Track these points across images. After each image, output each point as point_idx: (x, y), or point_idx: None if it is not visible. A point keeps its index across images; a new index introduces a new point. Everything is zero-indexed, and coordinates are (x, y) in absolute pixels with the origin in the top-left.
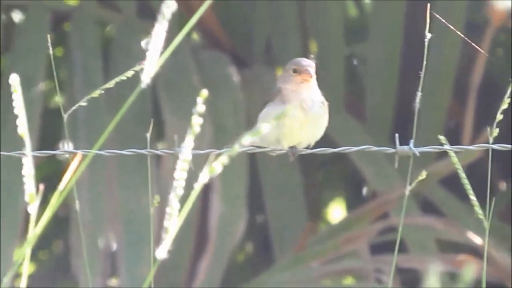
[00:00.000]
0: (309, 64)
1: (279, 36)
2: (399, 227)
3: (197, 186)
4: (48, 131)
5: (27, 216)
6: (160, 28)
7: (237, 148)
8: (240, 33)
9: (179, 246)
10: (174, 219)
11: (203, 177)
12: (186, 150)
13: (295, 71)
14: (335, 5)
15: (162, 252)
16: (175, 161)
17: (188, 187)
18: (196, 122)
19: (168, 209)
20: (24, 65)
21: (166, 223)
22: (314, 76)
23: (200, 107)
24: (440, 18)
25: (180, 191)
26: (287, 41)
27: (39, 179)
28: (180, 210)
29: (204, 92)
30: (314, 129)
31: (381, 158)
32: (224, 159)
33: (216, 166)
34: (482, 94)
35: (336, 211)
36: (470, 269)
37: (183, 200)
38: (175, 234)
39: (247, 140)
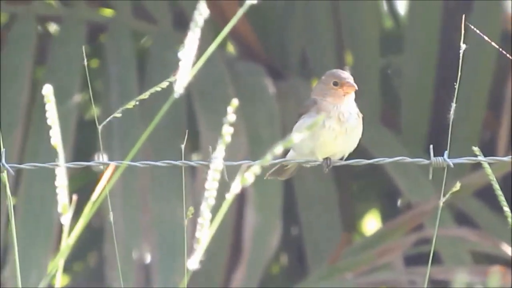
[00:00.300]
0: (349, 76)
1: (315, 48)
2: (433, 238)
3: (229, 196)
4: (83, 143)
5: (61, 227)
6: (193, 36)
7: (269, 158)
8: (276, 44)
9: (214, 258)
10: (206, 230)
11: (235, 187)
12: (218, 160)
13: (335, 84)
14: (371, 17)
15: (193, 263)
16: (209, 173)
17: (223, 199)
18: (227, 131)
19: (200, 220)
20: (60, 76)
21: (197, 234)
22: (356, 87)
23: (231, 116)
24: (475, 29)
25: (211, 201)
26: (322, 53)
27: (73, 190)
28: (212, 221)
29: (235, 102)
30: (349, 141)
31: (416, 170)
32: (256, 169)
33: (248, 176)
34: None
35: (371, 223)
36: (496, 277)
37: (216, 211)
38: (209, 245)
39: (279, 149)
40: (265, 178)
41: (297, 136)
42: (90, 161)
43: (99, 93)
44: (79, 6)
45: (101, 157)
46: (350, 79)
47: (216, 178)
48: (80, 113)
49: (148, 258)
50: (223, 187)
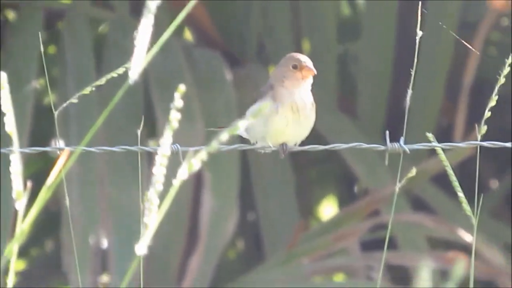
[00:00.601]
0: (309, 60)
1: (272, 35)
2: (389, 224)
3: (176, 182)
4: (41, 129)
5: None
6: (147, 23)
7: (215, 145)
8: (233, 31)
9: (170, 243)
10: (154, 215)
11: (183, 173)
12: (165, 146)
13: (295, 67)
14: (328, 3)
15: (142, 248)
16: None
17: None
18: (174, 117)
19: (147, 205)
20: (17, 63)
21: (145, 219)
22: (315, 72)
23: (178, 102)
24: (433, 17)
25: (159, 186)
26: (280, 39)
27: (29, 176)
28: (160, 206)
29: (182, 87)
30: (301, 130)
31: (373, 156)
32: (203, 155)
33: (195, 162)
34: (474, 92)
35: (328, 209)
36: (460, 267)
37: (174, 196)
38: (166, 229)
39: (225, 137)
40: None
41: (243, 123)
42: (46, 146)
43: (56, 80)
44: None
45: (58, 143)
46: (309, 63)
47: (163, 163)
48: (38, 99)
49: (105, 244)
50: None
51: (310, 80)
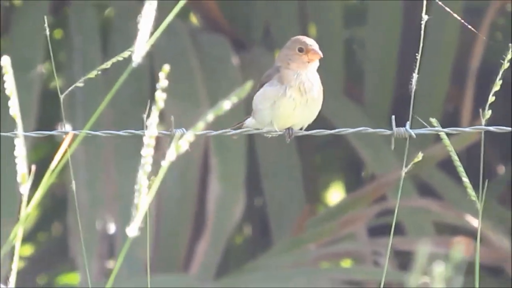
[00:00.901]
0: (315, 43)
1: (278, 20)
2: (396, 209)
3: (164, 164)
4: (48, 113)
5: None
6: (150, 6)
7: (201, 125)
8: (239, 16)
9: (177, 229)
10: (144, 197)
11: (170, 155)
12: (152, 127)
13: (300, 50)
14: None
15: (132, 230)
16: (171, 142)
17: (185, 167)
18: (159, 97)
19: (136, 187)
20: (23, 47)
21: (136, 200)
22: (321, 55)
23: (163, 82)
24: (439, 1)
25: (148, 168)
26: (286, 24)
27: (36, 161)
28: (150, 188)
29: (166, 67)
30: (309, 112)
31: (379, 141)
32: (189, 137)
33: (182, 143)
34: (481, 78)
35: (335, 194)
36: (459, 250)
37: (180, 182)
38: (173, 215)
39: (210, 118)
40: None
41: (227, 103)
42: (53, 130)
43: (63, 64)
44: None
45: (64, 127)
46: (316, 46)
47: (151, 144)
48: (44, 83)
49: (112, 229)
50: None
51: (316, 63)
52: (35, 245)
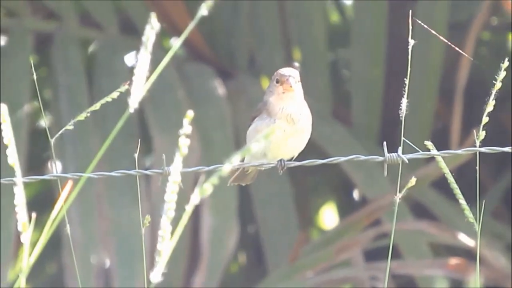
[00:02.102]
0: (291, 74)
1: (262, 46)
2: (392, 233)
3: (189, 208)
4: (36, 150)
5: (19, 234)
6: (145, 51)
7: (227, 168)
8: (223, 44)
9: (173, 262)
10: (167, 242)
11: (194, 199)
12: (175, 172)
13: (277, 81)
14: (317, 11)
15: (156, 275)
16: (164, 181)
17: (177, 204)
18: (183, 143)
19: (160, 232)
20: (9, 87)
21: (159, 246)
22: (298, 86)
23: (187, 128)
24: (423, 23)
25: (171, 213)
26: (270, 50)
27: (27, 198)
28: (172, 231)
29: (190, 113)
30: (299, 141)
31: (370, 164)
32: (214, 180)
33: (207, 187)
34: (468, 94)
35: (328, 217)
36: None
37: (173, 220)
38: (169, 255)
39: (236, 160)
40: (228, 185)
41: (256, 145)
42: (43, 168)
43: (49, 102)
44: (25, 17)
45: (55, 169)
46: (291, 78)
47: (174, 190)
48: (31, 121)
49: (107, 264)
50: (178, 193)
51: (292, 94)
52: (31, 284)
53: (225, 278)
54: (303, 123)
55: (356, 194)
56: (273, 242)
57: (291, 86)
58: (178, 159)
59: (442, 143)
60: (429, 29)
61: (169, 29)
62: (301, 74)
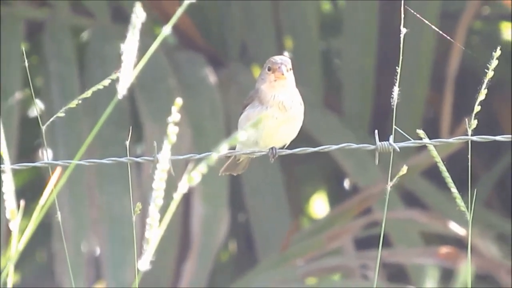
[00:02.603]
0: (283, 61)
1: (254, 34)
2: (383, 222)
3: (177, 196)
4: (26, 138)
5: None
6: (132, 38)
7: (215, 156)
8: (215, 32)
9: (163, 249)
10: (155, 230)
11: (183, 187)
12: (164, 160)
13: (269, 69)
14: (309, 1)
15: (144, 263)
16: (154, 168)
17: (168, 192)
18: (172, 131)
19: (148, 220)
20: (0, 75)
21: (147, 234)
22: (289, 74)
23: (176, 115)
24: (415, 13)
25: (159, 201)
26: (262, 39)
27: (18, 186)
28: (160, 219)
29: (179, 101)
30: (291, 129)
31: (362, 152)
32: (203, 168)
33: (194, 175)
34: (459, 82)
35: (319, 206)
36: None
37: (163, 207)
38: (158, 242)
39: (225, 148)
40: (219, 174)
41: (243, 134)
42: (34, 156)
43: (40, 89)
44: (16, 4)
45: (46, 156)
46: (283, 66)
47: (163, 178)
48: (23, 109)
49: (97, 251)
50: (169, 180)
51: (285, 82)
52: (20, 272)
53: (215, 266)
54: (295, 110)
55: (347, 183)
56: (263, 230)
57: (282, 74)
58: (167, 147)
59: (433, 132)
60: (421, 18)
61: (161, 17)
62: (293, 63)
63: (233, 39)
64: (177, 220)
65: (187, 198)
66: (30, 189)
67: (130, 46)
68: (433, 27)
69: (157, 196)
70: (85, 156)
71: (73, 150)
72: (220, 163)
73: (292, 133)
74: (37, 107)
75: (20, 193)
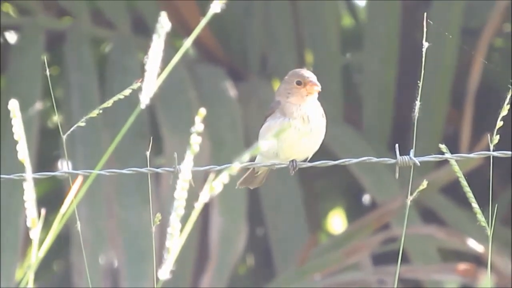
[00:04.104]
0: (313, 75)
1: (275, 48)
2: (401, 237)
3: (198, 206)
4: (46, 149)
5: (27, 233)
6: (156, 48)
7: (236, 166)
8: (236, 46)
9: (181, 262)
10: (176, 239)
11: (204, 197)
12: (186, 170)
13: (299, 83)
14: (330, 15)
15: (164, 273)
16: (175, 179)
17: (188, 203)
18: (195, 141)
19: (169, 230)
20: (21, 85)
21: (167, 243)
22: (320, 87)
23: (199, 126)
24: (436, 25)
25: (181, 211)
26: (282, 52)
27: (37, 197)
28: (181, 230)
29: (202, 111)
30: (313, 142)
31: (380, 168)
32: (224, 178)
33: (216, 185)
34: (479, 99)
35: (337, 221)
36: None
37: (183, 218)
38: (178, 252)
39: (246, 158)
40: (236, 187)
41: (265, 143)
42: (53, 167)
43: (60, 100)
44: (37, 15)
45: (66, 166)
46: (314, 78)
47: (185, 187)
48: (42, 120)
49: (115, 264)
50: (189, 192)
51: (315, 96)
52: (38, 283)
53: (233, 280)
54: (317, 122)
55: (366, 198)
56: (281, 245)
57: (318, 86)
58: (189, 157)
59: (452, 148)
60: (443, 31)
61: (181, 30)
62: None
63: (253, 53)
64: (195, 233)
65: (205, 211)
66: (48, 200)
67: (154, 54)
68: (455, 40)
69: (178, 206)
70: (104, 168)
71: (92, 162)
72: (238, 176)
73: (314, 146)
74: (57, 118)
75: (38, 204)
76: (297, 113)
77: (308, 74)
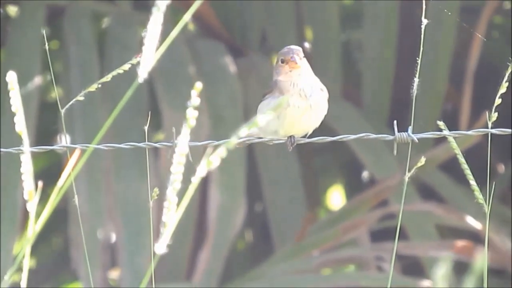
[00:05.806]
0: (295, 51)
1: (275, 24)
2: (399, 214)
3: (195, 180)
4: (45, 123)
5: (26, 210)
6: (155, 22)
7: (234, 140)
8: (236, 22)
9: (179, 237)
10: (172, 213)
11: (201, 171)
12: (183, 144)
13: (282, 61)
14: None
15: (161, 247)
16: (173, 154)
17: (186, 178)
18: (191, 115)
19: (166, 203)
20: (20, 59)
21: (164, 218)
22: (303, 62)
23: (195, 100)
24: (436, 2)
25: (177, 185)
26: (282, 29)
27: (36, 171)
28: (178, 204)
29: (198, 85)
30: (314, 117)
31: (379, 145)
32: (222, 152)
33: (213, 159)
34: (478, 77)
35: (335, 198)
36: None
37: (181, 193)
38: (175, 226)
39: (244, 132)
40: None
41: (262, 118)
42: (52, 142)
43: (60, 75)
44: None
45: (64, 140)
46: (295, 55)
47: (181, 162)
48: (41, 94)
49: (113, 238)
50: (187, 167)
51: (299, 71)
52: (36, 257)
53: (231, 255)
54: (316, 97)
55: (365, 175)
56: (280, 221)
57: (296, 63)
58: (186, 131)
59: (451, 125)
60: (442, 8)
61: (181, 5)
62: (313, 53)
63: (253, 29)
64: (193, 208)
65: (204, 187)
66: (46, 174)
67: (153, 28)
68: (454, 18)
69: (175, 180)
70: (103, 142)
71: (91, 136)
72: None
73: (315, 122)
74: (56, 92)
75: (36, 179)
76: (293, 90)
77: (290, 52)
